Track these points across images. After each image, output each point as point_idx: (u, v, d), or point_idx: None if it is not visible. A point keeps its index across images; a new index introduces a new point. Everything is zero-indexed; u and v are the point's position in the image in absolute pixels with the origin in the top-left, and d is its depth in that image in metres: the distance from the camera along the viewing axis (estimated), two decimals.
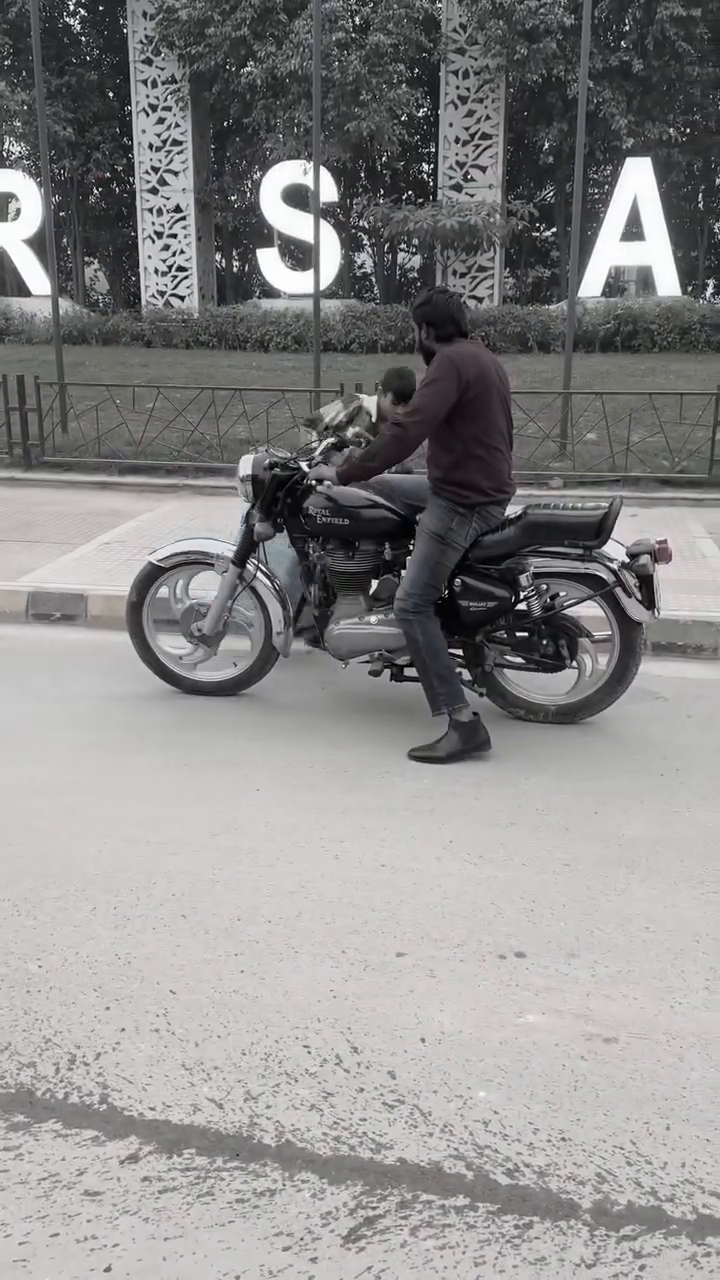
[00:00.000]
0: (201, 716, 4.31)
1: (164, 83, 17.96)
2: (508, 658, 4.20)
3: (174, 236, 18.52)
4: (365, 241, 24.68)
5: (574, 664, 4.15)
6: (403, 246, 22.23)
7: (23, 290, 18.42)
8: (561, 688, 4.29)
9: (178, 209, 18.43)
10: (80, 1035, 2.37)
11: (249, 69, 16.60)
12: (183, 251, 18.54)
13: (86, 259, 26.04)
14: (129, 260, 23.66)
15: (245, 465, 4.29)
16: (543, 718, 4.26)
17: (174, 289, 18.62)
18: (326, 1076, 2.24)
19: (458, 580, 4.03)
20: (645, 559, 3.96)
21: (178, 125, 18.17)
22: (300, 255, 19.34)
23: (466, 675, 4.22)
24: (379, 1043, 2.35)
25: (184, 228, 18.48)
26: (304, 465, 4.19)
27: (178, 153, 18.27)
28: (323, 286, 12.00)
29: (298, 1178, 1.97)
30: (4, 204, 18.99)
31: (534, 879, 3.06)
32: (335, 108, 15.79)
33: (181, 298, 18.55)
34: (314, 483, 4.14)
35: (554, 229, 22.60)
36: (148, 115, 18.20)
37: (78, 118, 20.02)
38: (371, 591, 4.27)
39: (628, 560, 4.00)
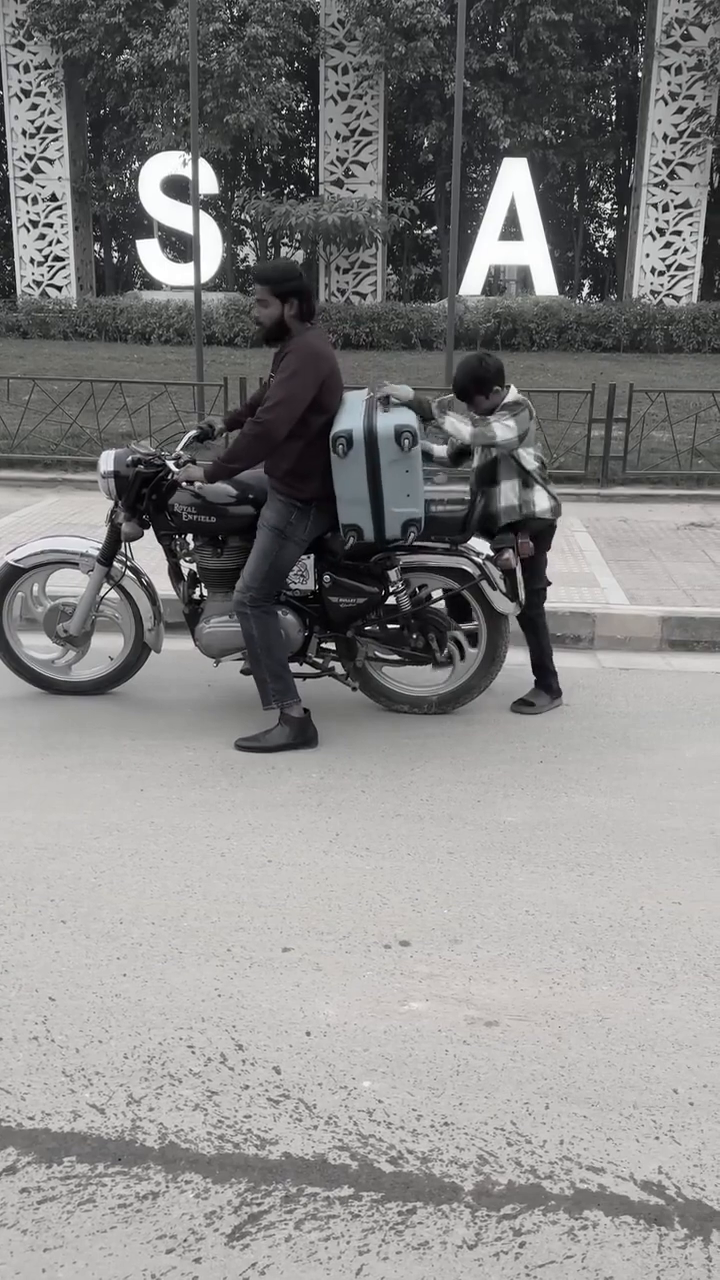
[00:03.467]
0: (82, 718, 4.22)
1: (37, 68, 17.47)
2: (378, 653, 4.24)
3: (50, 226, 18.05)
4: (248, 235, 24.53)
5: (443, 655, 4.23)
6: (285, 241, 22.16)
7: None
8: (438, 678, 4.36)
9: (54, 197, 17.96)
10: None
11: (125, 57, 16.29)
12: (59, 241, 18.08)
13: None
14: (3, 249, 22.96)
15: (106, 461, 4.17)
16: (425, 709, 4.33)
17: (51, 279, 18.16)
18: (211, 1075, 2.22)
19: (326, 577, 4.08)
20: (508, 554, 4.12)
21: (52, 112, 17.70)
22: (182, 247, 19.12)
23: (340, 670, 4.27)
24: (264, 1039, 2.34)
25: (60, 217, 18.02)
26: (170, 463, 4.10)
27: (53, 140, 17.80)
28: (205, 279, 11.86)
29: (181, 1179, 1.95)
30: None
31: (419, 868, 3.10)
32: (214, 99, 15.62)
33: (59, 288, 18.10)
34: (178, 479, 4.03)
35: (435, 227, 22.87)
36: (20, 101, 17.67)
37: None
38: None
39: (492, 554, 4.13)
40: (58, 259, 18.16)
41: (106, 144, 22.30)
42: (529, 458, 4.17)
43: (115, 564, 4.30)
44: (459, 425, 4.02)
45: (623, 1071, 2.24)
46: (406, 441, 3.77)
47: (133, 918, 2.82)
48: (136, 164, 19.92)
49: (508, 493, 4.18)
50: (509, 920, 2.83)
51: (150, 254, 17.47)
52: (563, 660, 4.85)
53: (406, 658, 4.24)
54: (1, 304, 18.29)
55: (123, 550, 4.32)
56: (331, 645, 4.27)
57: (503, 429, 4.02)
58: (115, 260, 26.05)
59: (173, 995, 2.49)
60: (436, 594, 4.20)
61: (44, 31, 16.87)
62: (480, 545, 4.17)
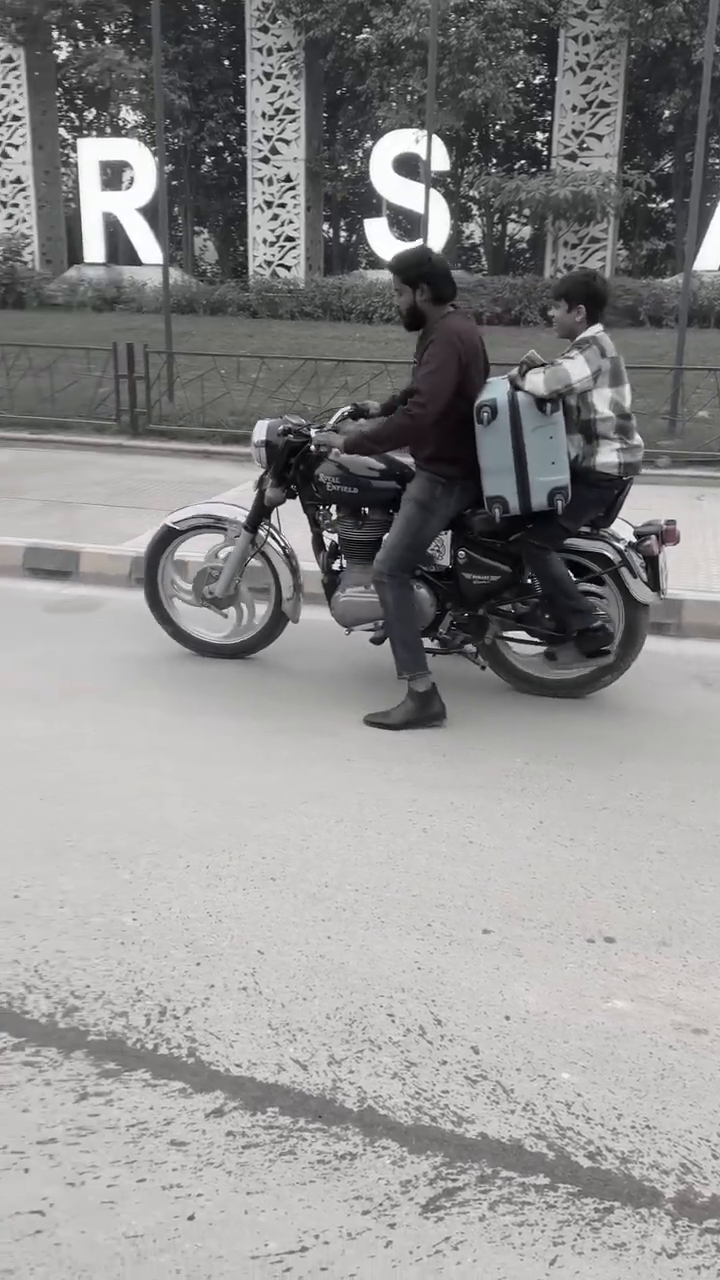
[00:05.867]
0: (288, 685, 4.34)
1: (279, 50, 17.91)
2: (510, 633, 4.21)
3: (283, 206, 18.53)
4: (474, 211, 24.31)
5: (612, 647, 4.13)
6: (513, 217, 21.83)
7: (134, 259, 18.67)
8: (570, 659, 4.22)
9: (288, 178, 18.42)
10: (171, 989, 2.42)
11: (365, 35, 16.45)
12: (291, 221, 18.54)
13: (196, 228, 26.26)
14: (238, 230, 23.79)
15: (260, 431, 4.28)
16: (559, 692, 4.26)
17: (281, 259, 18.65)
18: (410, 1046, 2.25)
19: (461, 553, 4.09)
20: (651, 540, 4.01)
21: (291, 94, 18.12)
22: (408, 226, 19.17)
23: (471, 648, 4.29)
24: (463, 1017, 2.34)
25: (293, 197, 18.46)
26: (313, 432, 4.18)
27: (290, 121, 18.23)
28: None
29: (378, 1144, 1.99)
30: (118, 173, 19.26)
31: (626, 865, 3.01)
32: (450, 75, 15.53)
33: (288, 268, 18.57)
34: (324, 450, 4.10)
35: (671, 200, 21.92)
36: (261, 83, 18.18)
37: (193, 86, 20.15)
38: None
39: (634, 541, 4.03)
40: (289, 239, 18.63)
41: (340, 124, 22.63)
42: (602, 405, 3.89)
43: (260, 533, 4.39)
44: (534, 379, 3.81)
45: None
46: (549, 405, 3.76)
47: (338, 882, 2.89)
48: (369, 143, 20.12)
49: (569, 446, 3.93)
50: None
51: (377, 233, 17.63)
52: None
53: (539, 638, 4.17)
54: (234, 284, 18.96)
55: (270, 521, 4.43)
56: (460, 622, 4.23)
57: (576, 367, 3.80)
58: (342, 240, 26.45)
59: (374, 963, 2.53)
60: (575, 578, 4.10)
61: (288, 14, 17.26)
62: (624, 530, 4.08)
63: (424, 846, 3.10)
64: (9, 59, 19.37)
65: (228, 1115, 2.05)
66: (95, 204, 18.66)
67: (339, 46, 17.38)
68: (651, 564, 4.02)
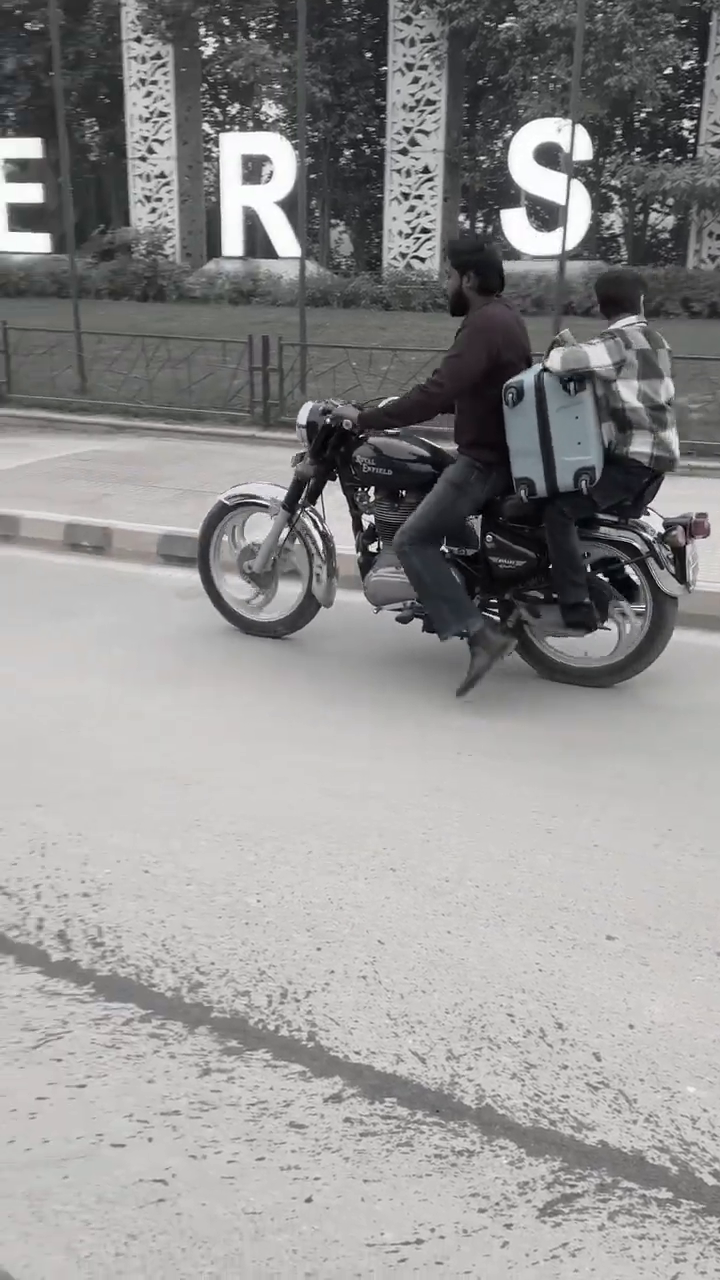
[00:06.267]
0: (401, 677, 4.34)
1: (422, 41, 17.88)
2: (536, 618, 4.21)
3: (420, 198, 18.50)
4: (615, 201, 23.81)
5: (605, 626, 4.15)
6: (655, 207, 21.29)
7: (270, 252, 18.94)
8: (603, 651, 4.24)
9: (426, 170, 18.38)
10: (292, 972, 2.45)
11: (509, 24, 16.26)
12: (428, 213, 18.50)
13: (333, 221, 26.48)
14: (373, 222, 23.87)
15: (303, 414, 4.48)
16: (588, 681, 4.26)
17: (416, 251, 18.64)
18: (530, 1048, 2.22)
19: (489, 537, 4.16)
20: (677, 531, 4.00)
21: (432, 84, 18.07)
22: (546, 216, 18.90)
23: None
24: (585, 1023, 2.30)
25: (431, 189, 18.42)
26: (336, 405, 4.34)
27: (430, 113, 18.19)
28: (569, 247, 11.66)
29: (496, 1143, 1.97)
30: (258, 167, 19.56)
31: None
32: (596, 62, 15.24)
33: (423, 260, 18.55)
34: (361, 434, 4.26)
35: None
36: (403, 75, 18.19)
37: (335, 79, 20.31)
38: None
39: (663, 532, 4.02)
40: (424, 231, 18.60)
41: (481, 114, 22.45)
42: (630, 396, 3.91)
43: (297, 511, 4.50)
44: (555, 355, 3.87)
45: None
46: (574, 385, 3.82)
47: (458, 878, 2.87)
48: (509, 133, 19.89)
49: (603, 433, 3.96)
50: None
51: (514, 223, 17.44)
52: None
53: (567, 624, 4.11)
54: (368, 276, 19.04)
55: (314, 506, 4.55)
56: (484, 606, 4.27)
57: (595, 353, 3.86)
58: (478, 231, 26.26)
59: (495, 961, 2.51)
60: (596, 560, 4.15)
61: (431, 4, 17.21)
62: (655, 522, 4.08)
63: (546, 847, 3.05)
64: (158, 56, 19.87)
65: (346, 1101, 2.07)
66: (235, 198, 19.00)
67: (482, 36, 17.24)
68: (679, 556, 3.99)
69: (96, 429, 9.50)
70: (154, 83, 20.07)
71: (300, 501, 4.52)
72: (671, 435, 4.01)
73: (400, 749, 3.67)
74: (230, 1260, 1.72)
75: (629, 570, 4.13)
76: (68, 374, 10.44)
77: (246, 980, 2.43)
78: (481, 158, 22.91)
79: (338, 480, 4.52)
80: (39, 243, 20.68)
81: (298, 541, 4.56)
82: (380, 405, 4.23)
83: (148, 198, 20.72)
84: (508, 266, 15.17)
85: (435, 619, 4.12)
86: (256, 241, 19.67)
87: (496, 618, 4.28)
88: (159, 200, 20.68)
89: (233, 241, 19.37)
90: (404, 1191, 1.86)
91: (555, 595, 4.07)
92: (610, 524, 4.08)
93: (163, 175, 20.53)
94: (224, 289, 18.57)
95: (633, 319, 4.05)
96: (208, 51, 21.78)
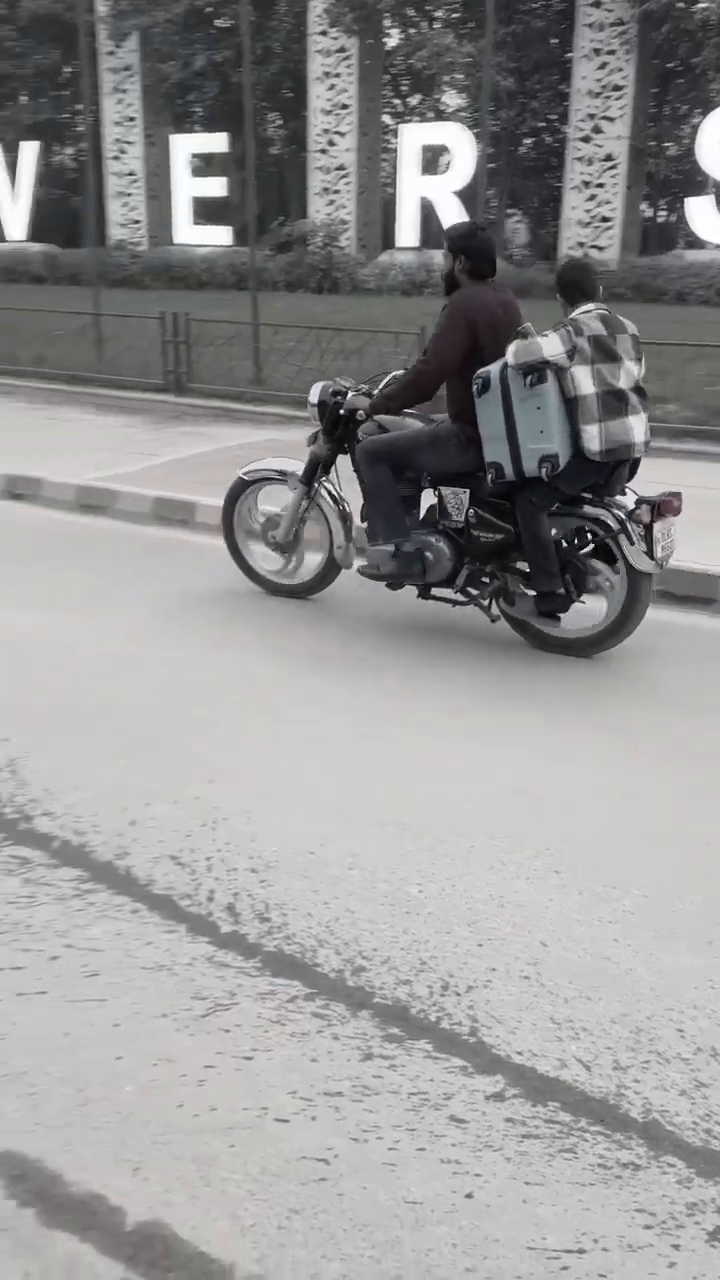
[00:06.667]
0: (584, 678, 4.24)
1: (610, 25, 17.43)
2: (519, 589, 4.40)
3: (601, 186, 18.08)
4: None
5: (581, 601, 4.33)
6: None
7: (439, 244, 18.89)
8: (583, 623, 4.40)
9: (608, 158, 17.94)
10: (453, 965, 2.44)
11: (704, 4, 15.66)
12: (608, 201, 18.06)
13: (509, 210, 26.19)
14: (551, 211, 23.47)
15: (315, 393, 4.78)
16: (570, 651, 4.42)
17: (594, 240, 18.23)
18: (700, 1066, 2.14)
19: (472, 511, 4.40)
20: (643, 509, 4.12)
21: (620, 70, 17.60)
22: None
23: (485, 601, 4.54)
24: None
25: (613, 177, 17.97)
26: (351, 392, 4.65)
27: (616, 99, 17.73)
28: None
29: (663, 1159, 1.91)
30: (436, 157, 19.52)
31: None
32: None
33: (601, 249, 18.12)
34: (353, 410, 4.60)
35: None
36: (590, 60, 17.78)
37: (519, 67, 20.04)
38: (421, 516, 4.68)
39: (633, 509, 4.16)
40: (604, 220, 18.17)
41: (669, 99, 21.73)
42: (584, 382, 4.01)
43: (314, 485, 4.82)
44: (510, 347, 4.04)
45: None
46: (532, 378, 3.97)
47: (625, 885, 2.80)
48: (698, 119, 19.18)
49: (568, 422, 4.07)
50: None
51: (700, 212, 16.82)
52: None
53: (540, 613, 4.35)
54: (542, 266, 18.75)
55: (329, 478, 4.87)
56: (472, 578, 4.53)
57: (548, 343, 3.99)
58: (659, 219, 25.48)
59: (664, 974, 2.43)
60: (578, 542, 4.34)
61: None
62: (629, 500, 4.23)
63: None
64: (342, 49, 20.08)
65: (508, 1101, 2.04)
66: (412, 188, 19.03)
67: (674, 18, 16.67)
68: (648, 532, 4.11)
69: (269, 419, 9.70)
70: (337, 76, 20.29)
71: (317, 476, 4.85)
72: (631, 422, 4.09)
73: (571, 749, 3.60)
74: (390, 1246, 1.73)
75: (609, 542, 4.25)
76: (245, 365, 10.69)
77: (408, 969, 2.43)
78: (668, 144, 22.18)
79: (350, 456, 4.74)
80: (221, 236, 21.27)
81: (315, 512, 4.91)
82: (384, 392, 4.54)
83: (326, 190, 20.99)
84: (690, 256, 14.62)
85: (370, 528, 4.58)
86: (431, 232, 19.65)
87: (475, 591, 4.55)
88: (336, 192, 20.92)
89: (407, 232, 19.41)
90: (567, 1198, 1.83)
91: (533, 583, 4.31)
92: (587, 501, 4.26)
93: (341, 168, 20.76)
94: (396, 280, 18.64)
95: (591, 306, 4.18)
96: (391, 43, 21.87)
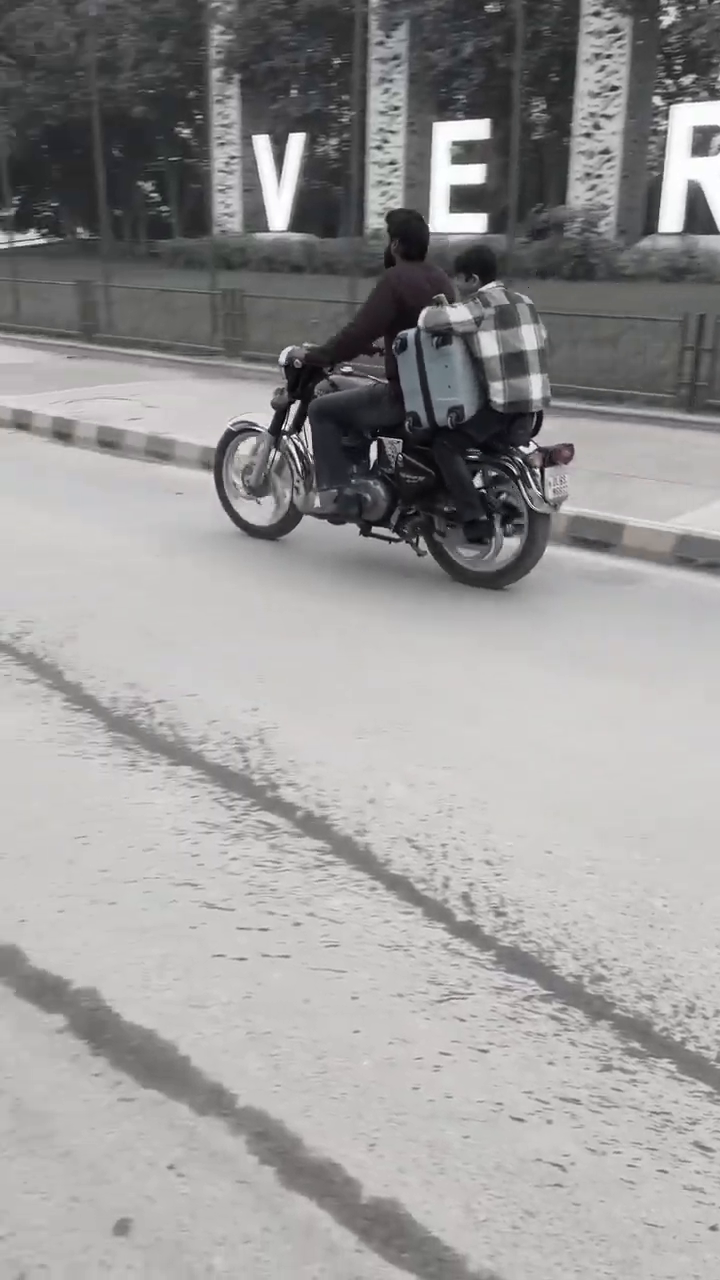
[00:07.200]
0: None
1: None
2: (445, 536, 5.08)
3: None
4: None
5: (506, 532, 4.90)
6: None
7: (710, 228, 18.01)
8: (496, 558, 4.99)
9: None
10: (700, 986, 2.33)
11: None
12: None
13: None
14: None
15: (283, 355, 5.36)
16: (484, 584, 5.04)
17: None
18: None
19: (401, 457, 5.05)
20: (534, 454, 4.76)
21: None
22: None
23: (414, 539, 5.18)
24: None
25: None
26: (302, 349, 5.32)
27: None
28: None
29: None
30: (707, 138, 18.62)
31: None
32: None
33: None
34: (332, 372, 5.33)
35: None
36: None
37: None
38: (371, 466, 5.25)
39: (529, 454, 4.77)
40: None
41: None
42: (489, 345, 4.65)
43: (282, 437, 5.48)
44: (422, 313, 4.67)
45: None
46: (437, 340, 4.63)
47: None
48: None
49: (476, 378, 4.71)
50: None
51: None
52: None
53: (469, 539, 4.98)
54: None
55: (298, 435, 5.44)
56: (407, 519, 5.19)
57: (455, 312, 4.64)
58: None
59: None
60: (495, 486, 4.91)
61: None
62: (530, 451, 4.80)
63: None
64: (615, 29, 19.48)
65: None
66: (680, 171, 18.26)
67: None
68: (540, 476, 4.70)
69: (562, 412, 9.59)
70: (608, 57, 19.70)
71: (285, 429, 5.49)
72: (532, 379, 4.73)
73: None
74: (628, 1266, 1.67)
75: (511, 496, 4.83)
76: None
77: (651, 984, 2.34)
78: None
79: None
80: (475, 223, 21.17)
81: (283, 462, 5.51)
82: (317, 346, 5.27)
83: (588, 174, 20.47)
84: None
85: (317, 474, 5.25)
86: (696, 217, 18.78)
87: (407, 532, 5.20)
88: (599, 177, 20.35)
89: (671, 217, 18.62)
90: None
91: (459, 516, 4.89)
92: (498, 451, 4.85)
93: (606, 151, 20.16)
94: (657, 266, 17.96)
95: (494, 284, 4.80)
96: (667, 21, 21.01)
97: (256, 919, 2.55)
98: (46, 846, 2.86)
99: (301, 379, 5.34)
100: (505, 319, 4.69)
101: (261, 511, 5.80)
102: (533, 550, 4.89)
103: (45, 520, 6.14)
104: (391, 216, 5.15)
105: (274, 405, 5.52)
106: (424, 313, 4.65)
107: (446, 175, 21.35)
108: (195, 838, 2.90)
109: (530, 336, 4.73)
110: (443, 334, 4.60)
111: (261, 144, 24.04)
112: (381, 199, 24.11)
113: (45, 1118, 1.96)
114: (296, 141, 23.50)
